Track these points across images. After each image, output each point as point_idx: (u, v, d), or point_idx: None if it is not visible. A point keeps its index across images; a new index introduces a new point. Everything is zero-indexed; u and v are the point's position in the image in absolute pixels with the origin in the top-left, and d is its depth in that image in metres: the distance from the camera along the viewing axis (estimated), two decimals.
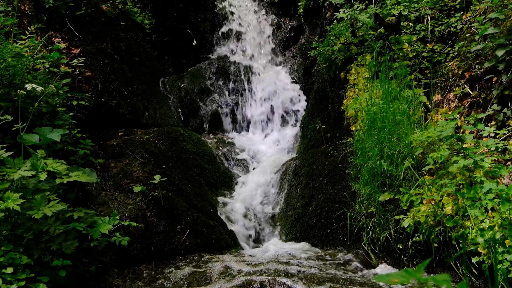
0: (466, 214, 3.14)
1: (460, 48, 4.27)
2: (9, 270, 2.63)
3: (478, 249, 2.98)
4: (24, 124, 3.18)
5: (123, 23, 6.62)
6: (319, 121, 5.50)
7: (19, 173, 2.88)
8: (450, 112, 3.90)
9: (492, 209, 3.03)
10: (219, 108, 6.86)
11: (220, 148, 6.13)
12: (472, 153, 3.26)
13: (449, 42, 4.62)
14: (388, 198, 3.76)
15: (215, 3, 7.96)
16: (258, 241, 4.97)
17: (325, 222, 4.47)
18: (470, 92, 3.94)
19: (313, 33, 7.36)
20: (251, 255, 4.18)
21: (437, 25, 4.75)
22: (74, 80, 5.20)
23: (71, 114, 4.15)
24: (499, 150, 3.37)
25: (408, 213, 3.52)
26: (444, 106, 4.13)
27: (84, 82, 5.38)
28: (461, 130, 3.68)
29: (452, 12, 4.83)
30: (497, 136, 3.46)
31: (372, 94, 4.23)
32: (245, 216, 5.17)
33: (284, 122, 6.87)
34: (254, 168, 5.99)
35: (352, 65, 5.04)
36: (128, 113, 5.74)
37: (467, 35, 4.30)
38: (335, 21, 5.74)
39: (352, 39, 5.19)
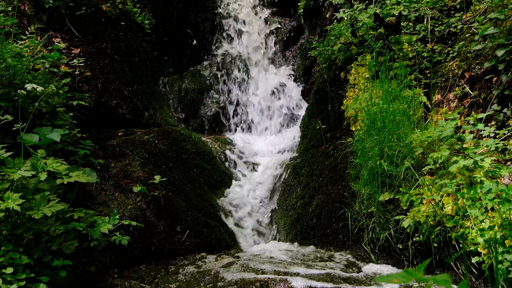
0: (466, 214, 3.14)
1: (460, 48, 4.27)
2: (9, 270, 2.63)
3: (478, 249, 2.98)
4: (24, 124, 3.18)
5: (123, 23, 6.62)
6: (319, 121, 5.50)
7: (19, 173, 2.88)
8: (450, 112, 3.90)
9: (492, 209, 3.03)
10: (219, 108, 6.86)
11: (220, 148, 6.13)
12: (472, 153, 3.26)
13: (449, 42, 4.62)
14: (388, 198, 3.76)
15: (215, 3, 7.96)
16: (258, 241, 4.97)
17: (325, 222, 4.47)
18: (470, 92, 3.94)
19: (313, 33, 7.36)
20: (251, 255, 4.18)
21: (437, 25, 4.75)
22: (74, 80, 5.20)
23: (71, 114, 4.15)
24: (499, 150, 3.37)
25: (408, 213, 3.52)
26: (444, 106, 4.13)
27: (84, 82, 5.38)
28: (461, 130, 3.68)
29: (452, 12, 4.83)
30: (497, 136, 3.45)
31: (372, 94, 4.23)
32: (245, 216, 5.17)
33: (284, 122, 6.86)
34: (254, 168, 5.99)
35: (352, 65, 5.04)
36: (128, 113, 5.73)
37: (467, 35, 4.29)
38: (335, 21, 5.74)
39: (352, 39, 5.19)
